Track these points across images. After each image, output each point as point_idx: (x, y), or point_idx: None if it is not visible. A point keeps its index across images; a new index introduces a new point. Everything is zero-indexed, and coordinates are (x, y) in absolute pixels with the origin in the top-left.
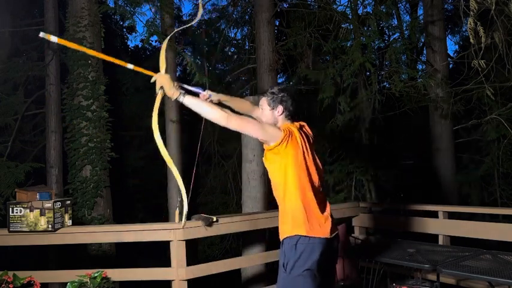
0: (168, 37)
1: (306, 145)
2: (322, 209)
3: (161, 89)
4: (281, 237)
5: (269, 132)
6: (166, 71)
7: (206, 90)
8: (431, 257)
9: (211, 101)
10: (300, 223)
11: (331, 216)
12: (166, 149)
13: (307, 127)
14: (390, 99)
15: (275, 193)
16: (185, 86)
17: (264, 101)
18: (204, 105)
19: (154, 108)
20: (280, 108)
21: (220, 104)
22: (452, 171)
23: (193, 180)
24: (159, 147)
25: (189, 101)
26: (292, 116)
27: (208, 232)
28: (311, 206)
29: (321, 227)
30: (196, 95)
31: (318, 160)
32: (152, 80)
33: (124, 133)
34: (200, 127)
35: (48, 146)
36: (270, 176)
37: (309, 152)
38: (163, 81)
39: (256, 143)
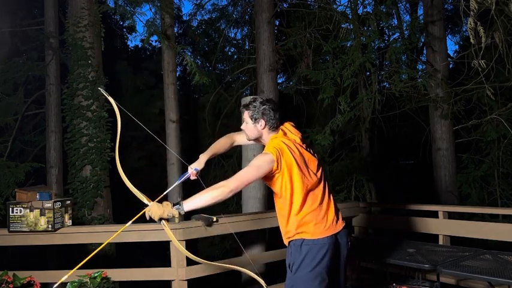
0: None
1: (298, 153)
2: (326, 207)
3: (160, 220)
4: (286, 241)
5: (263, 166)
6: (149, 200)
7: (189, 169)
8: (431, 257)
9: (200, 173)
10: (305, 229)
11: (337, 209)
12: (166, 150)
13: (291, 128)
14: (390, 99)
15: (280, 204)
16: (173, 185)
17: (246, 115)
18: (203, 198)
19: (171, 238)
20: (262, 122)
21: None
22: (452, 171)
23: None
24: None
25: (189, 206)
26: (276, 126)
27: (208, 232)
28: (315, 208)
29: (327, 227)
30: (188, 179)
31: (313, 157)
32: (148, 217)
33: (124, 133)
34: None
35: (48, 146)
36: (273, 190)
37: (303, 158)
38: (156, 211)
39: (256, 144)
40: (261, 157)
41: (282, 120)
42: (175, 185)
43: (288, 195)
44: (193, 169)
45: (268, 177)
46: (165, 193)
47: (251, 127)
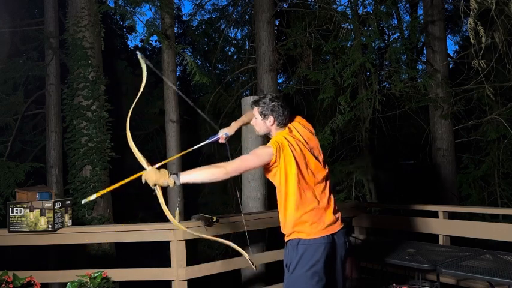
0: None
1: (299, 151)
2: (325, 208)
3: (155, 186)
4: (285, 239)
5: (263, 156)
6: (149, 164)
7: (220, 132)
8: (431, 257)
9: (229, 139)
10: (301, 228)
11: (336, 210)
12: (167, 150)
13: (299, 127)
14: (390, 99)
15: (279, 199)
16: (201, 144)
17: (255, 111)
18: (200, 174)
19: (162, 207)
20: (271, 118)
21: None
22: (452, 171)
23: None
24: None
25: (186, 178)
26: (285, 123)
27: (208, 232)
28: (312, 208)
29: (323, 227)
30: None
31: (314, 158)
32: (143, 181)
33: (124, 133)
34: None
35: (48, 146)
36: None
37: (304, 157)
38: (152, 177)
39: (256, 144)
40: (262, 148)
41: (291, 116)
42: (203, 144)
43: (283, 191)
44: (224, 133)
45: (267, 170)
46: (193, 149)
47: (260, 123)
